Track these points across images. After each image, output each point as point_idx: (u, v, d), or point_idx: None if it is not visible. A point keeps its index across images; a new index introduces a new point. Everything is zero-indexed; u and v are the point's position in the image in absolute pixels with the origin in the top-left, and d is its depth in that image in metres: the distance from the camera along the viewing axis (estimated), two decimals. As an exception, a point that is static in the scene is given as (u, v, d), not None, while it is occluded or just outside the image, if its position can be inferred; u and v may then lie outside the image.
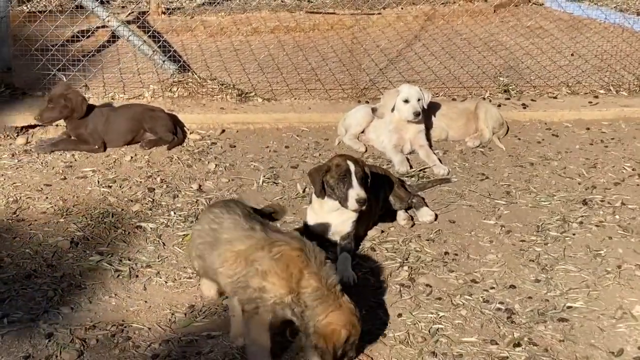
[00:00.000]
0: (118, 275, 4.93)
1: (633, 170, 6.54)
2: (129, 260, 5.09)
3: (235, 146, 6.78)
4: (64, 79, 7.34)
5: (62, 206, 5.68)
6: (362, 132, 6.92)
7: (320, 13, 9.70)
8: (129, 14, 8.50)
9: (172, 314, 4.59)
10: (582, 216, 5.79)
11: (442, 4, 10.15)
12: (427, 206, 5.80)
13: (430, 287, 4.93)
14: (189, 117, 7.06)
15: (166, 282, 4.89)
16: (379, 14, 9.72)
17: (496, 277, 5.06)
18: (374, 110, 6.82)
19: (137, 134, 6.69)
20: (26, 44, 7.53)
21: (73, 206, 5.69)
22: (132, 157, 6.49)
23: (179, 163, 6.43)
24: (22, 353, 4.25)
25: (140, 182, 6.10)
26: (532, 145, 6.99)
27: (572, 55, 8.98)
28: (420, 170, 6.48)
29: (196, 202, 5.82)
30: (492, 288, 4.94)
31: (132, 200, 5.80)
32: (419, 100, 6.61)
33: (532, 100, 7.75)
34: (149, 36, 8.34)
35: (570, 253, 5.34)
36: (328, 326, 3.94)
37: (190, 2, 10.04)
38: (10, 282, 4.80)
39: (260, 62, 8.39)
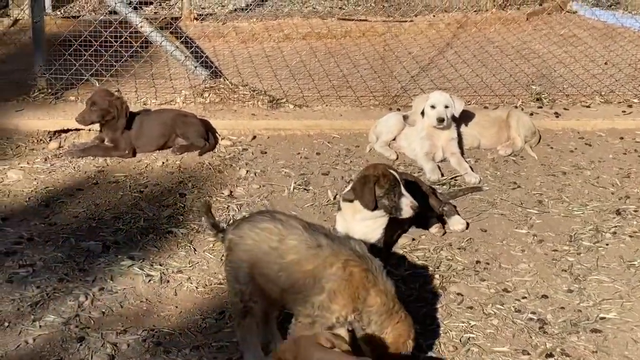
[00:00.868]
0: (149, 280, 4.94)
1: (668, 180, 6.47)
2: (160, 265, 5.10)
3: (266, 152, 6.79)
4: (97, 83, 7.39)
5: (94, 211, 5.72)
6: (394, 139, 6.90)
7: (352, 20, 9.70)
8: (162, 19, 8.54)
9: (203, 320, 4.60)
10: (616, 226, 5.73)
11: (475, 11, 10.11)
12: (458, 214, 5.77)
13: (462, 295, 4.90)
14: (221, 123, 7.08)
15: (197, 288, 4.90)
16: (411, 21, 9.71)
17: (528, 287, 5.01)
18: (405, 117, 6.80)
19: (169, 139, 6.73)
20: (60, 49, 7.59)
21: (105, 211, 5.72)
22: (163, 163, 6.52)
23: (210, 169, 6.45)
24: (54, 357, 4.27)
25: (172, 187, 6.12)
26: (565, 154, 6.93)
27: (605, 63, 8.91)
28: (451, 179, 6.45)
29: (227, 208, 5.83)
30: (524, 298, 4.90)
31: (163, 206, 5.82)
32: (446, 107, 6.59)
33: (564, 109, 7.69)
34: (181, 42, 8.39)
35: (604, 263, 5.28)
36: (396, 339, 3.94)
37: (222, 8, 10.08)
38: (42, 286, 4.83)
39: (291, 69, 8.41)
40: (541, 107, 7.70)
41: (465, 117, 6.92)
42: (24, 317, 4.57)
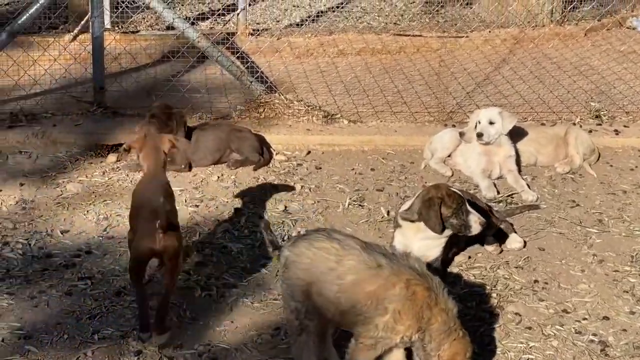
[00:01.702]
0: (205, 295, 4.96)
1: None
2: (216, 280, 5.11)
3: (320, 168, 6.78)
4: (154, 98, 7.46)
5: (151, 224, 5.75)
6: (449, 156, 6.85)
7: (407, 35, 9.66)
8: (218, 34, 8.59)
9: (259, 335, 4.59)
10: (679, 247, 5.61)
11: (532, 27, 10.00)
12: (515, 232, 5.70)
13: (520, 315, 4.83)
14: (275, 138, 7.09)
15: (252, 303, 4.90)
16: (467, 37, 9.63)
17: (589, 308, 4.92)
18: (461, 134, 6.74)
19: (224, 154, 6.75)
20: (118, 63, 7.68)
21: (161, 224, 5.75)
22: (218, 177, 6.55)
23: (265, 184, 6.46)
24: (111, 369, 4.31)
25: (227, 202, 6.14)
26: (625, 173, 6.81)
27: (666, 80, 8.74)
28: (508, 196, 6.37)
29: (282, 223, 5.82)
30: (585, 319, 4.81)
31: (218, 220, 5.84)
32: (491, 123, 6.52)
33: (624, 126, 7.56)
34: (237, 57, 8.44)
35: (666, 285, 5.17)
36: (453, 357, 3.91)
37: (277, 24, 10.12)
38: (100, 299, 4.88)
39: (346, 84, 8.40)
40: (600, 125, 7.58)
41: (521, 134, 6.84)
42: (83, 329, 4.61)
